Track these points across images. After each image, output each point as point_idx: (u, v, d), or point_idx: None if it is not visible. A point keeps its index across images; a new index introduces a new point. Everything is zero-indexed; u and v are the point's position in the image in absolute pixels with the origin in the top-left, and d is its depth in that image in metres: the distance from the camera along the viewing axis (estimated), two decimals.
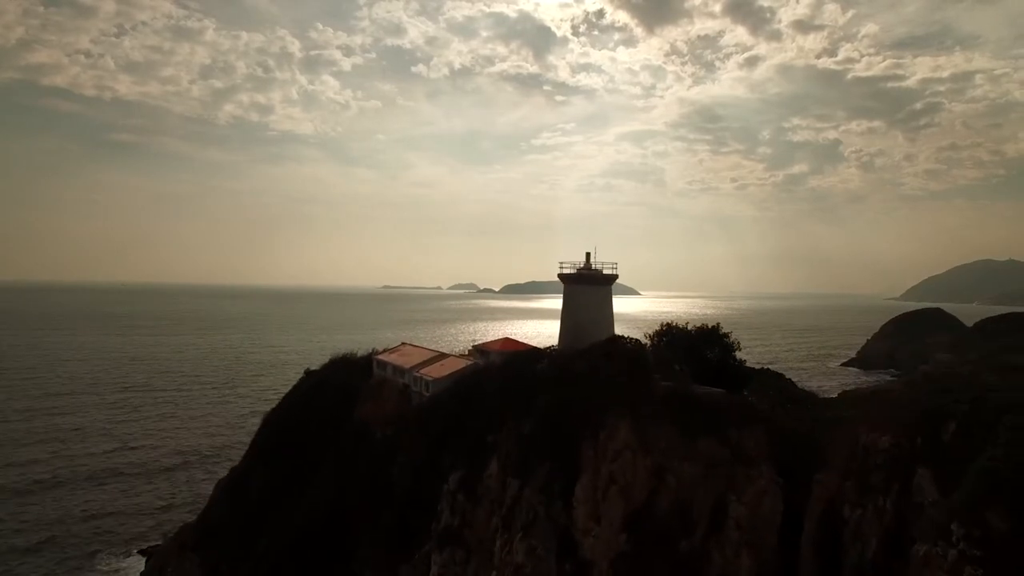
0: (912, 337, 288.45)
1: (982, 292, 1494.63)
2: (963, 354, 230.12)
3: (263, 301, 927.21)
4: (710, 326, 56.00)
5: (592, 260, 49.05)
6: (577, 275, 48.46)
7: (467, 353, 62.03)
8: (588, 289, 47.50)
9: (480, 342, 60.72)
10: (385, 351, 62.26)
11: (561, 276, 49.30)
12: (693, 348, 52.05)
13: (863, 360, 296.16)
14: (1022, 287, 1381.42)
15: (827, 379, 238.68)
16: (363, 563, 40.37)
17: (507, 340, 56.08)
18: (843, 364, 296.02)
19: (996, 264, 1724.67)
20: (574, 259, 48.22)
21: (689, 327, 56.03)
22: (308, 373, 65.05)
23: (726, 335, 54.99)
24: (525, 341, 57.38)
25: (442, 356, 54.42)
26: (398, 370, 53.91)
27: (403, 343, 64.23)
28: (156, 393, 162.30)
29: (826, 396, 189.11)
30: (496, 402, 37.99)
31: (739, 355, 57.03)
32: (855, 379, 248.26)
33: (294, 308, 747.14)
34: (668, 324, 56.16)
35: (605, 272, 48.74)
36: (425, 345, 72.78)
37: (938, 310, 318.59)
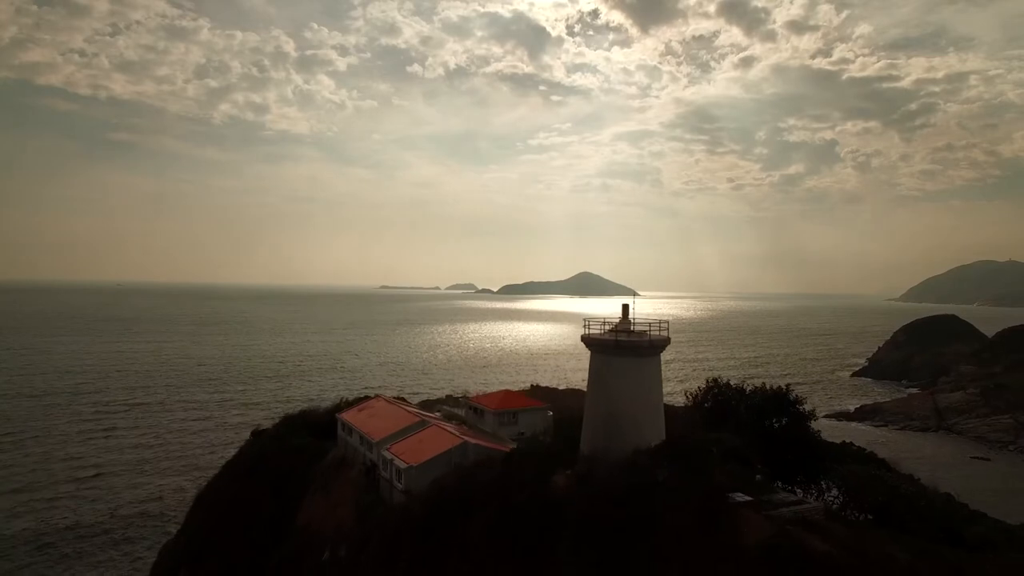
0: (926, 345, 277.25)
1: (983, 293, 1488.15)
2: (987, 366, 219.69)
3: (260, 302, 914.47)
4: (776, 388, 43.65)
5: (631, 314, 33.97)
6: (613, 343, 32.30)
7: (457, 402, 49.95)
8: (628, 363, 31.97)
9: (473, 396, 48.53)
10: (355, 404, 49.99)
11: (588, 341, 34.26)
12: (753, 412, 39.98)
13: (875, 369, 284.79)
14: (1023, 288, 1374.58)
15: (845, 395, 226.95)
16: None
17: (506, 395, 44.13)
18: (854, 374, 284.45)
19: (996, 265, 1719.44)
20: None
21: (746, 386, 43.94)
22: (255, 435, 52.56)
23: (798, 401, 42.71)
24: (526, 396, 45.24)
25: (422, 423, 42.11)
26: (365, 440, 41.89)
27: (377, 396, 51.95)
28: (134, 412, 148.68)
29: (843, 409, 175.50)
30: (494, 537, 25.97)
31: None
32: (871, 391, 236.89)
33: (291, 309, 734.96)
34: (716, 380, 44.10)
35: (653, 336, 32.63)
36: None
37: (952, 316, 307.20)
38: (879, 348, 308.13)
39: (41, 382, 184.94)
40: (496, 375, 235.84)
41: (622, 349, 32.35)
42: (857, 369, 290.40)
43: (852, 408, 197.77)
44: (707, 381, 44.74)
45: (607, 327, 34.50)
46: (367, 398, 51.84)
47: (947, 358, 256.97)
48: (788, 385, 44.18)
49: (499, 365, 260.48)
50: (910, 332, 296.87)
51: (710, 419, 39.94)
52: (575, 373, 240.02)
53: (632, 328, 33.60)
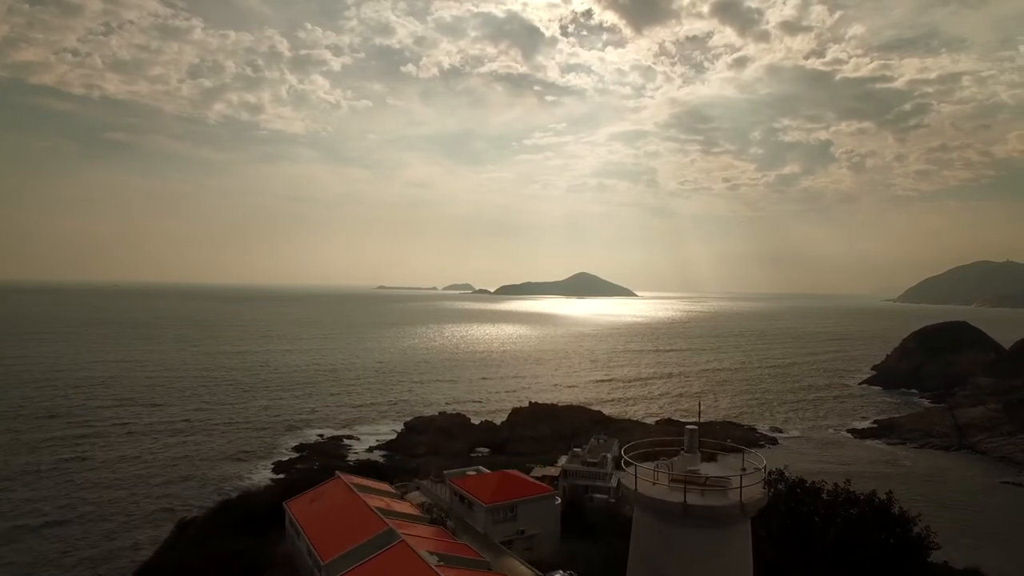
0: (937, 353, 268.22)
1: (981, 294, 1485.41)
2: (1006, 378, 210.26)
3: (256, 303, 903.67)
4: (872, 497, 33.39)
5: (693, 439, 20.92)
6: (680, 509, 18.99)
7: (437, 480, 40.19)
8: (702, 538, 18.96)
9: (460, 475, 38.78)
10: (313, 488, 39.65)
11: (635, 499, 20.54)
12: (845, 530, 30.15)
13: (884, 377, 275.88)
14: (1021, 288, 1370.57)
15: (856, 407, 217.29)
16: None
17: (502, 480, 34.80)
18: (863, 382, 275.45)
19: (994, 266, 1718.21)
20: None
21: (823, 487, 33.51)
22: (180, 529, 42.78)
23: (906, 518, 32.53)
24: (528, 479, 35.67)
25: (388, 536, 32.03)
26: (313, 556, 32.17)
27: (337, 473, 40.99)
28: (109, 438, 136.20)
29: (856, 424, 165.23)
30: None
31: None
32: (882, 403, 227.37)
33: (287, 311, 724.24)
34: (785, 478, 33.22)
35: (746, 496, 19.15)
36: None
37: (963, 323, 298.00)
38: (887, 355, 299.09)
39: (15, 398, 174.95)
40: (492, 388, 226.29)
41: (694, 517, 18.76)
42: (865, 377, 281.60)
43: (866, 423, 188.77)
44: (775, 474, 33.37)
45: (661, 467, 20.75)
46: (334, 475, 41.43)
47: (959, 367, 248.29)
48: (890, 493, 33.88)
49: (494, 378, 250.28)
50: (920, 339, 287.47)
51: (783, 539, 29.97)
52: (572, 388, 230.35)
53: (705, 475, 19.79)
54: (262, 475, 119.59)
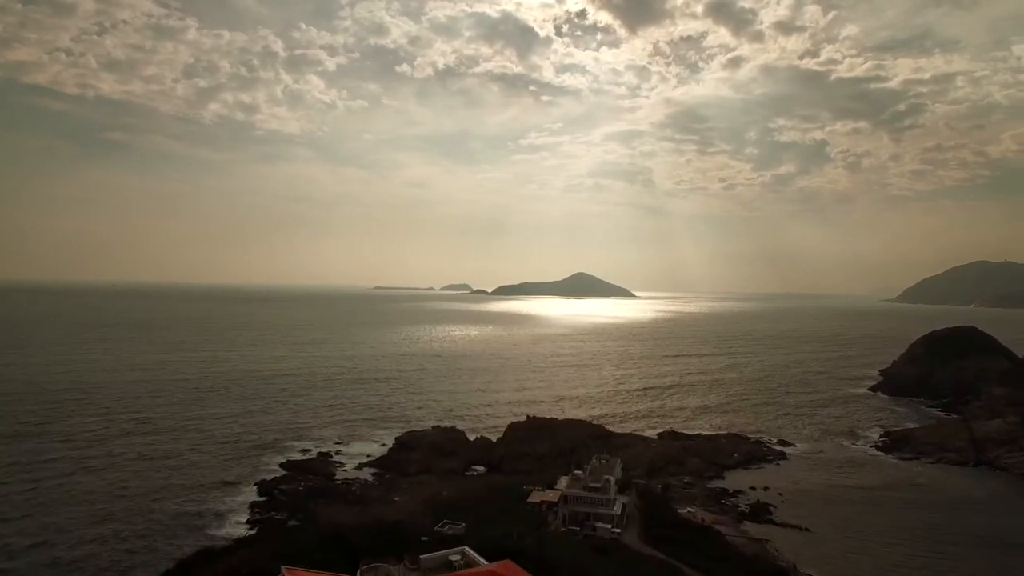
0: (946, 360, 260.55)
1: (980, 294, 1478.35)
2: (1022, 388, 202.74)
3: (253, 303, 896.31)
4: None
5: None
6: None
7: (412, 567, 32.49)
8: None
9: (440, 564, 31.21)
10: None
11: None
12: None
13: (891, 384, 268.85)
14: (1019, 289, 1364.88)
15: (864, 417, 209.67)
16: None
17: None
18: (870, 389, 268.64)
19: (992, 266, 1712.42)
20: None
21: None
22: None
23: None
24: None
25: None
26: None
27: (284, 572, 32.93)
28: (75, 463, 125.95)
29: (867, 435, 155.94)
30: None
31: None
32: (892, 413, 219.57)
33: (285, 312, 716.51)
34: None
35: None
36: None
37: (972, 328, 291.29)
38: (894, 361, 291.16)
39: None
40: (487, 399, 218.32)
41: None
42: (871, 384, 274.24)
43: (876, 435, 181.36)
44: None
45: None
46: (280, 573, 33.26)
47: (970, 374, 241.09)
48: None
49: (490, 389, 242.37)
50: (927, 344, 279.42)
51: None
52: (571, 399, 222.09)
53: None
54: (244, 498, 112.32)
